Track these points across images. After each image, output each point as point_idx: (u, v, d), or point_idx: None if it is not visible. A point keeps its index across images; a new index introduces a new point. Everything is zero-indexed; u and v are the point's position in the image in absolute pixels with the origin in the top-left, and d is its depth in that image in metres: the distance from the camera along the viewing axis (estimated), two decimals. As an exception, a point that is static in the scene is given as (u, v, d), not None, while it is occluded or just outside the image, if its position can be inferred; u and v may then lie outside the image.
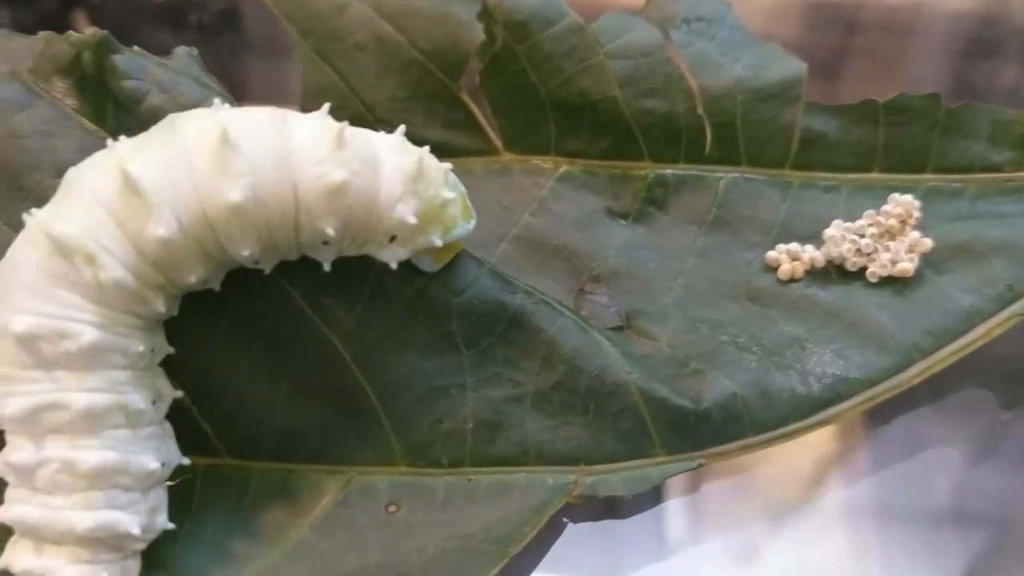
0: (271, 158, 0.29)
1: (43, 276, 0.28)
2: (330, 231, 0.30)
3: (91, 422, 0.29)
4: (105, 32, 0.34)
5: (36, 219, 0.29)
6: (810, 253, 0.39)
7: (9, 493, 0.30)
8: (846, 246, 0.38)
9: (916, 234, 0.38)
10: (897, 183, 0.40)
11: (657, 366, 0.35)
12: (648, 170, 0.41)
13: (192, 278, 0.30)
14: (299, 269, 0.33)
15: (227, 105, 0.30)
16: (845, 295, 0.38)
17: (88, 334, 0.28)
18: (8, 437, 0.30)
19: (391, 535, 0.33)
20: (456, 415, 0.34)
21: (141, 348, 0.30)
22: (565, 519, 0.35)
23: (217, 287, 0.31)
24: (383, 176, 0.30)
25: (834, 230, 0.39)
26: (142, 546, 0.31)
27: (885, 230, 0.38)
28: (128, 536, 0.30)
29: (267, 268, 0.31)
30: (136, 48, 0.35)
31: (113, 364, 0.29)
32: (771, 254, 0.39)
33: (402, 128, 0.32)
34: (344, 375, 0.34)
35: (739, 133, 0.40)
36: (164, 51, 0.36)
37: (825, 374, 0.36)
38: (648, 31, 0.41)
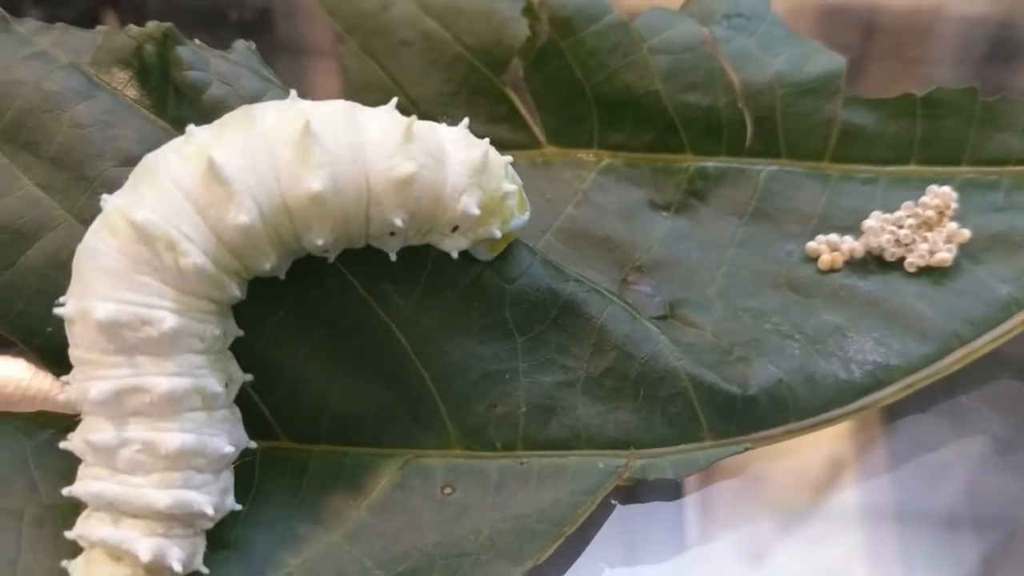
0: (347, 150, 0.30)
1: (125, 263, 0.29)
2: (398, 222, 0.31)
3: (171, 405, 0.30)
4: (169, 24, 0.35)
5: (115, 205, 0.29)
6: (849, 244, 0.40)
7: (85, 471, 0.31)
8: (885, 237, 0.39)
9: (954, 225, 0.39)
10: (933, 175, 0.40)
11: (703, 353, 0.36)
12: (690, 163, 0.42)
13: (266, 265, 0.30)
14: (358, 257, 0.34)
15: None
16: (884, 285, 0.39)
17: (169, 320, 0.29)
18: (86, 418, 0.31)
19: (447, 516, 0.34)
20: (510, 399, 0.35)
21: (217, 332, 0.30)
22: (613, 501, 0.36)
23: (283, 275, 0.32)
24: (449, 169, 0.31)
25: (873, 221, 0.39)
26: (210, 525, 0.32)
27: (923, 221, 0.39)
28: (201, 515, 0.31)
29: (332, 257, 0.32)
30: (197, 41, 0.36)
31: (191, 348, 0.30)
32: (811, 245, 0.40)
33: (465, 121, 0.33)
34: (401, 360, 0.35)
35: (779, 126, 0.41)
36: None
37: (867, 361, 0.37)
38: (690, 27, 0.41)
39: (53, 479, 0.34)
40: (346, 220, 0.30)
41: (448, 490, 0.34)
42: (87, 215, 0.34)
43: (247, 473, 0.33)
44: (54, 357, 0.34)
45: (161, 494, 0.30)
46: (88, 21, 0.52)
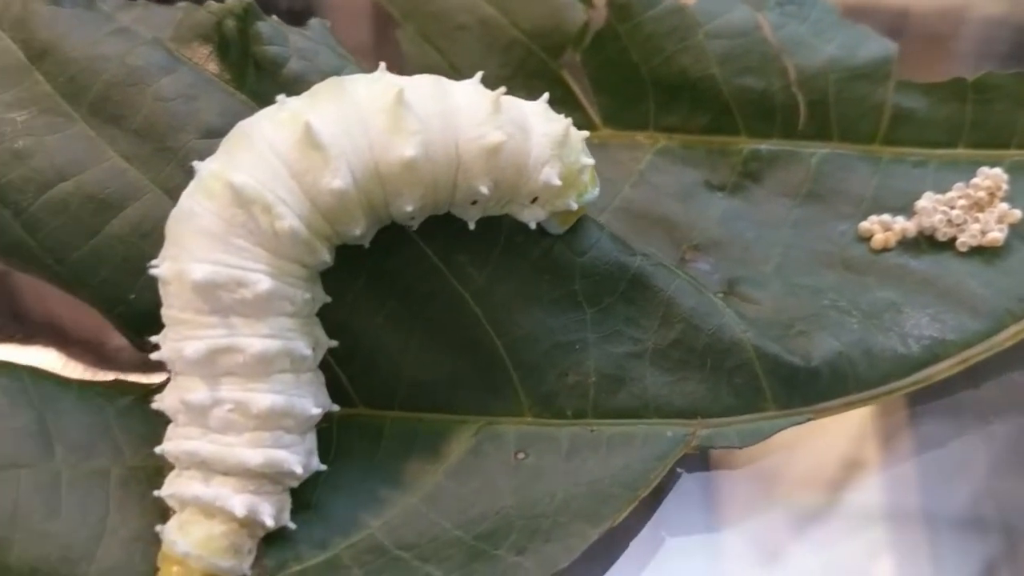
0: (438, 118, 0.31)
1: (221, 225, 0.30)
2: (484, 190, 0.31)
3: (263, 366, 0.31)
4: (251, 0, 0.36)
5: (210, 169, 0.30)
6: (901, 224, 0.41)
7: (175, 431, 0.32)
8: (937, 217, 0.40)
9: (1005, 205, 0.40)
10: (983, 158, 0.42)
11: (765, 327, 0.37)
12: (744, 145, 0.43)
13: (357, 230, 0.31)
14: (434, 228, 0.35)
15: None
16: (937, 264, 0.40)
17: (263, 283, 0.30)
18: (178, 379, 0.31)
19: (522, 480, 0.35)
20: (580, 369, 0.36)
21: (307, 296, 0.31)
22: (679, 469, 0.37)
23: (367, 244, 0.33)
24: (533, 140, 0.32)
25: (926, 201, 0.40)
26: (296, 484, 0.32)
27: (975, 202, 0.40)
28: (291, 473, 0.31)
29: (415, 225, 0.33)
30: (275, 18, 0.37)
31: (282, 312, 0.31)
32: (864, 225, 0.41)
33: (546, 96, 0.34)
34: (475, 330, 0.35)
35: (831, 110, 0.42)
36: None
37: (923, 336, 0.38)
38: (744, 12, 0.43)
39: (135, 442, 0.34)
40: (435, 187, 0.31)
41: (521, 455, 0.35)
42: (171, 185, 0.35)
43: (325, 439, 0.34)
44: (135, 324, 0.35)
45: (253, 452, 0.31)
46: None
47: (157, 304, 0.34)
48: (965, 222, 0.40)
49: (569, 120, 0.33)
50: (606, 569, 0.35)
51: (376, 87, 0.31)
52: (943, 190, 0.41)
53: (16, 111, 0.35)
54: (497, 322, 0.36)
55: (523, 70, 0.44)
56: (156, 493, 0.32)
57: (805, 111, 0.42)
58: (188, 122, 0.35)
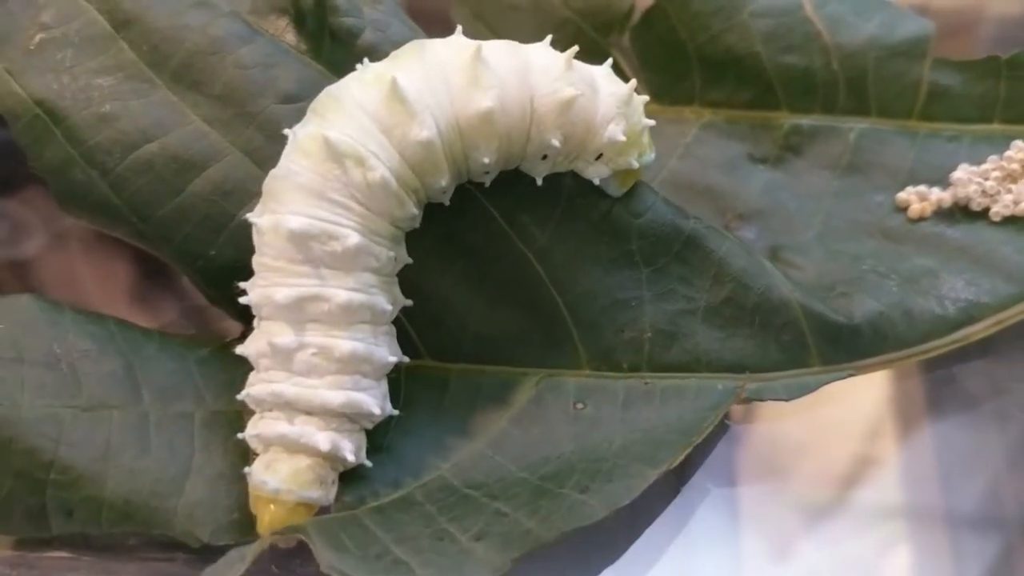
0: (514, 74, 0.33)
1: (317, 180, 0.32)
2: (555, 142, 0.34)
3: (346, 315, 0.33)
4: (326, -28, 0.38)
5: (306, 132, 0.33)
6: (937, 195, 0.43)
7: (256, 377, 0.34)
8: (972, 188, 0.42)
9: (1037, 177, 0.42)
10: (1016, 133, 0.43)
11: (809, 289, 0.39)
12: (786, 119, 0.45)
13: (443, 181, 0.33)
14: (499, 191, 0.37)
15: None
16: (971, 232, 0.42)
17: (352, 237, 0.32)
18: (264, 324, 0.34)
19: (581, 428, 0.36)
20: (636, 325, 0.38)
21: (391, 255, 0.33)
22: (728, 421, 0.39)
23: (447, 201, 0.35)
24: (601, 98, 0.34)
25: (961, 173, 0.42)
26: (371, 425, 0.34)
27: (1008, 174, 0.42)
28: (369, 414, 0.34)
29: (488, 181, 0.35)
30: (347, -11, 0.39)
31: (367, 267, 0.33)
32: (901, 195, 0.43)
33: (610, 60, 0.36)
34: (536, 287, 0.37)
35: (870, 87, 0.44)
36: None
37: (959, 299, 0.40)
38: (788, -8, 0.45)
39: (216, 389, 0.37)
40: (510, 139, 0.33)
41: (580, 405, 0.37)
42: (251, 147, 0.37)
43: (394, 388, 0.36)
44: (213, 279, 0.37)
45: (335, 394, 0.33)
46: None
47: (235, 260, 0.36)
48: (999, 193, 0.42)
49: (634, 81, 0.35)
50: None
51: (455, 47, 0.33)
52: (978, 162, 0.43)
53: (102, 77, 0.37)
54: (558, 280, 0.38)
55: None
56: (239, 436, 0.34)
57: (844, 87, 0.44)
58: (267, 89, 0.37)
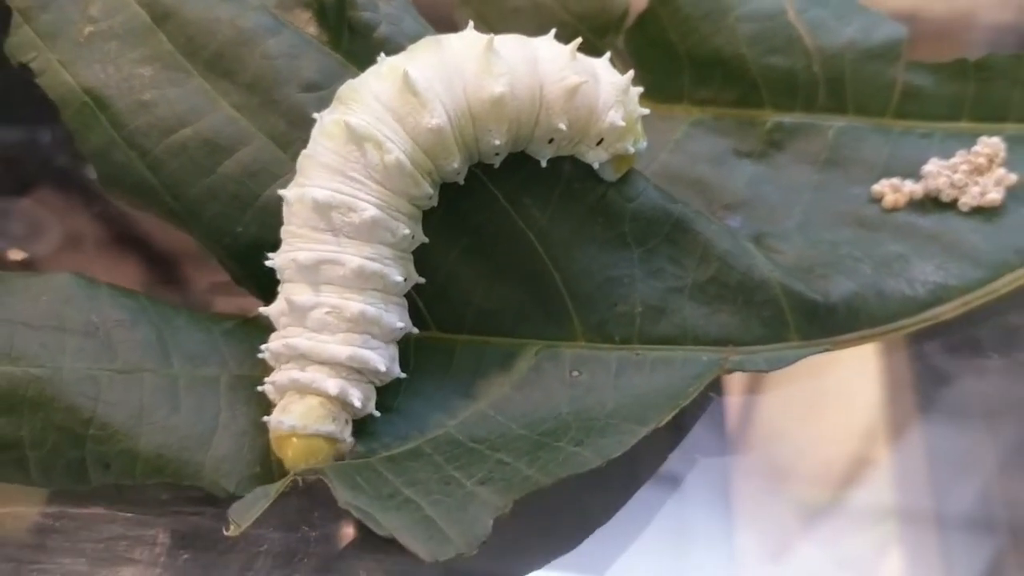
0: (523, 63, 0.36)
1: (338, 160, 0.35)
2: (562, 126, 0.37)
3: (359, 281, 0.36)
4: (351, -29, 0.41)
5: (330, 118, 0.36)
6: (910, 186, 0.46)
7: (276, 335, 0.37)
8: (942, 180, 0.45)
9: (1002, 170, 0.45)
10: (983, 130, 0.47)
11: (790, 270, 0.42)
12: (769, 117, 0.48)
13: (455, 164, 0.37)
14: (502, 175, 0.40)
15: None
16: (941, 221, 0.45)
17: (370, 210, 0.35)
18: (286, 286, 0.37)
19: (577, 393, 0.40)
20: (628, 300, 0.41)
21: (406, 232, 0.37)
22: (711, 394, 0.42)
23: (461, 181, 0.38)
24: (602, 87, 0.38)
25: (931, 166, 0.46)
26: (379, 382, 0.38)
27: (975, 167, 0.45)
28: (375, 370, 0.37)
29: (498, 162, 0.38)
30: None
31: (383, 240, 0.36)
32: (876, 187, 0.46)
33: (608, 53, 0.39)
34: (536, 264, 0.41)
35: (848, 87, 0.48)
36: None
37: (928, 281, 0.43)
38: (772, -2, 0.48)
39: (239, 356, 0.40)
40: (519, 123, 0.37)
41: (575, 373, 0.40)
42: (276, 132, 0.40)
43: (403, 355, 0.39)
44: (239, 256, 0.40)
45: (343, 348, 0.36)
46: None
47: (260, 238, 0.39)
48: (966, 185, 0.45)
49: (632, 72, 0.38)
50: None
51: (468, 40, 0.36)
52: (947, 157, 0.46)
53: (143, 67, 0.40)
54: (556, 258, 0.41)
55: (572, 49, 0.49)
56: (259, 388, 0.37)
57: (824, 87, 0.48)
58: (291, 78, 0.40)
